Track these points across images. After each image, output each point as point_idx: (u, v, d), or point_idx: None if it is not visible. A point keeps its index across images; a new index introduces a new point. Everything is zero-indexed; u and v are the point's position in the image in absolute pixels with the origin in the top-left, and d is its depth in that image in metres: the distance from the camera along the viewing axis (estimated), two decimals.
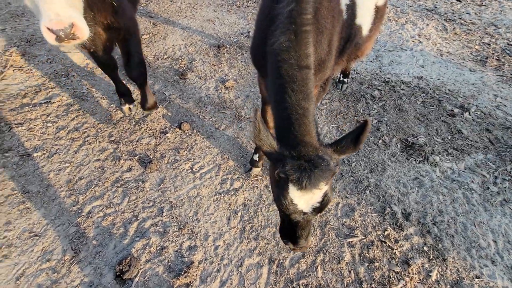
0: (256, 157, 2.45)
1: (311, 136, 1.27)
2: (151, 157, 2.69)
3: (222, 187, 2.50)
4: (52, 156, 2.61)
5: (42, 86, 3.35)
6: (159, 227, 2.20)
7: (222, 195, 2.44)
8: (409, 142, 2.86)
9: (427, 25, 4.73)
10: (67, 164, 2.56)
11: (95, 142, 2.77)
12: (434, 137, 2.94)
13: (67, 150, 2.68)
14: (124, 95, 2.95)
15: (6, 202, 2.27)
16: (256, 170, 2.53)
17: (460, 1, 5.53)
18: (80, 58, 3.78)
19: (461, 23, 4.75)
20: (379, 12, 1.97)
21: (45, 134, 2.80)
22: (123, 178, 2.50)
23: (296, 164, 1.20)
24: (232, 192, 2.46)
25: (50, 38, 1.34)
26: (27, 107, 3.05)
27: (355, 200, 2.41)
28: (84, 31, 1.42)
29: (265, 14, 1.54)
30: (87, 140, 2.78)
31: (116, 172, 2.53)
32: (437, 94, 3.44)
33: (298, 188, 1.20)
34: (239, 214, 2.32)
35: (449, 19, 4.86)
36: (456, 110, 3.21)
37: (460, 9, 5.18)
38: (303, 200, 1.24)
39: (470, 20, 4.81)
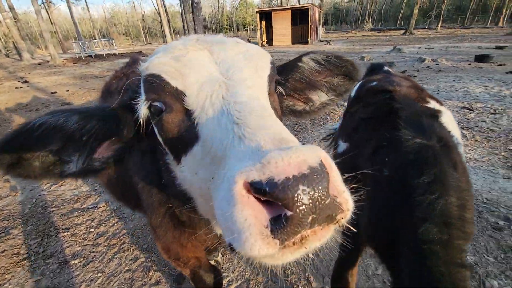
0: None
1: None
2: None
3: None
4: (88, 264, 2.68)
5: (92, 191, 3.76)
6: None
7: None
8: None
9: None
10: (99, 274, 2.58)
11: (129, 250, 2.84)
12: (484, 255, 2.65)
13: (102, 257, 2.76)
14: None
15: None
16: None
17: (473, 110, 5.95)
18: None
19: (479, 131, 4.97)
20: None
21: (86, 240, 2.97)
22: None
23: None
24: None
25: (259, 229, 0.53)
26: (76, 212, 3.36)
27: None
28: (349, 196, 0.61)
29: (397, 195, 1.38)
30: (122, 248, 2.87)
31: (144, 286, 2.48)
32: (474, 204, 3.30)
33: None
34: None
35: (466, 127, 5.13)
36: (501, 223, 2.99)
37: (475, 118, 5.51)
38: None
39: (488, 128, 5.03)
